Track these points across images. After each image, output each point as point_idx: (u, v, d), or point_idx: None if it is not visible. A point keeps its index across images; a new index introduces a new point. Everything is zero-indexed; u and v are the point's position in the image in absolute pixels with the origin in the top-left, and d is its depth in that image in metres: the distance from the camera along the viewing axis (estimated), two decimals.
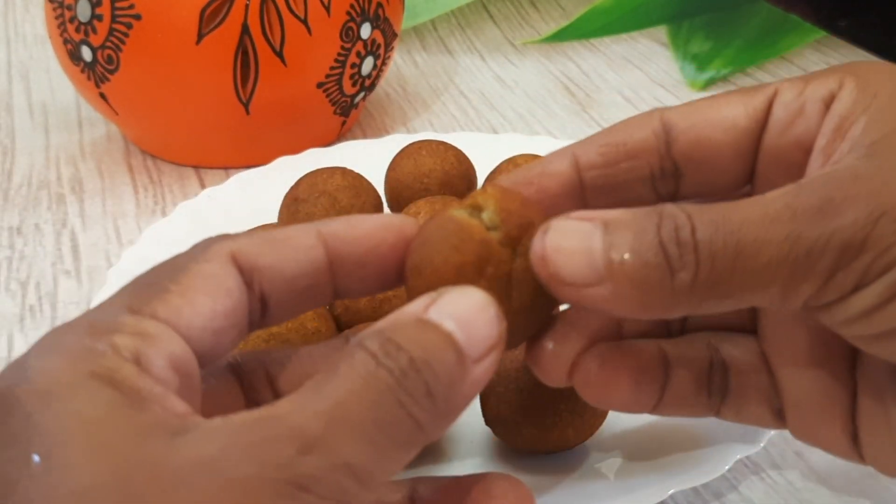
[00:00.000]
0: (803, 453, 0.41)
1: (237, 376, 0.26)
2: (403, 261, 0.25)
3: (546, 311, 0.26)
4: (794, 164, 0.25)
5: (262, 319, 0.24)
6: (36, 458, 0.19)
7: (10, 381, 0.20)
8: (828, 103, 0.24)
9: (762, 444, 0.38)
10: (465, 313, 0.22)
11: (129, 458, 0.19)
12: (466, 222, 0.24)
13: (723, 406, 0.27)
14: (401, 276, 0.25)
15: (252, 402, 0.26)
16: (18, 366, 0.21)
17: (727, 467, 0.37)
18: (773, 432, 0.38)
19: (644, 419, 0.40)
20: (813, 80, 0.25)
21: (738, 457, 0.37)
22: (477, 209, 0.24)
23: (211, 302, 0.22)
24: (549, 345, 0.26)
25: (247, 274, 0.23)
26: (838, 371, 0.26)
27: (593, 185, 0.26)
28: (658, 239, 0.22)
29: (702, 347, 0.28)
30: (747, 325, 0.28)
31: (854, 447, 0.26)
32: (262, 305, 0.24)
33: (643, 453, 0.39)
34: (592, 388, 0.27)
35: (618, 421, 0.40)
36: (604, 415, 0.39)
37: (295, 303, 0.24)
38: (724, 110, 0.25)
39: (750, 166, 0.26)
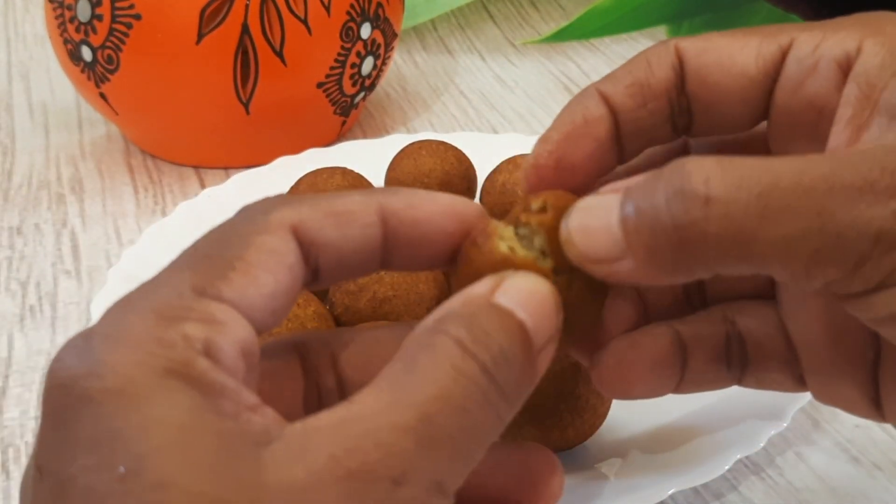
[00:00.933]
0: (803, 454, 0.41)
1: (300, 355, 0.25)
2: (457, 250, 0.24)
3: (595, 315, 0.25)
4: (807, 124, 0.24)
5: (308, 287, 0.23)
6: (122, 469, 0.18)
7: (77, 372, 0.19)
8: (843, 66, 0.23)
9: (762, 444, 0.38)
10: (531, 301, 0.21)
11: (224, 478, 0.18)
12: (523, 264, 0.23)
13: (744, 376, 0.27)
14: (448, 259, 0.24)
15: (312, 382, 0.25)
16: (83, 354, 0.19)
17: (727, 467, 0.37)
18: (772, 431, 0.38)
19: (644, 420, 0.40)
20: (830, 34, 0.24)
21: (738, 457, 0.37)
22: (528, 238, 0.23)
23: (273, 281, 0.21)
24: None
25: (306, 248, 0.22)
26: (859, 336, 0.25)
27: (626, 129, 0.25)
28: (664, 196, 0.21)
29: (717, 322, 0.27)
30: (765, 292, 0.27)
31: (875, 408, 0.25)
32: (313, 276, 0.23)
33: (643, 453, 0.39)
34: (610, 385, 0.26)
35: (618, 421, 0.40)
36: (604, 415, 0.39)
37: (343, 273, 0.23)
38: (736, 55, 0.24)
39: (760, 111, 0.25)
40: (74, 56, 0.58)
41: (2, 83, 0.73)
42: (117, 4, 0.55)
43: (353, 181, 0.50)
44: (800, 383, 0.27)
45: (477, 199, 0.53)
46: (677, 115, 0.25)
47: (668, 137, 0.26)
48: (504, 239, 0.23)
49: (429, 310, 0.42)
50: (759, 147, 0.27)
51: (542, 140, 0.25)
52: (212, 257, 0.21)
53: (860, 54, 0.23)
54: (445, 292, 0.43)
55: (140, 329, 0.20)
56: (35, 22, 0.81)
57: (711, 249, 0.21)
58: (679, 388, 0.27)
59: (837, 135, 0.23)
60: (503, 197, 0.50)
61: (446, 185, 0.51)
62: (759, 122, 0.25)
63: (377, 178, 0.53)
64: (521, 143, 0.57)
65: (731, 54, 0.24)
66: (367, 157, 0.57)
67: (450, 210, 0.24)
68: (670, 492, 0.36)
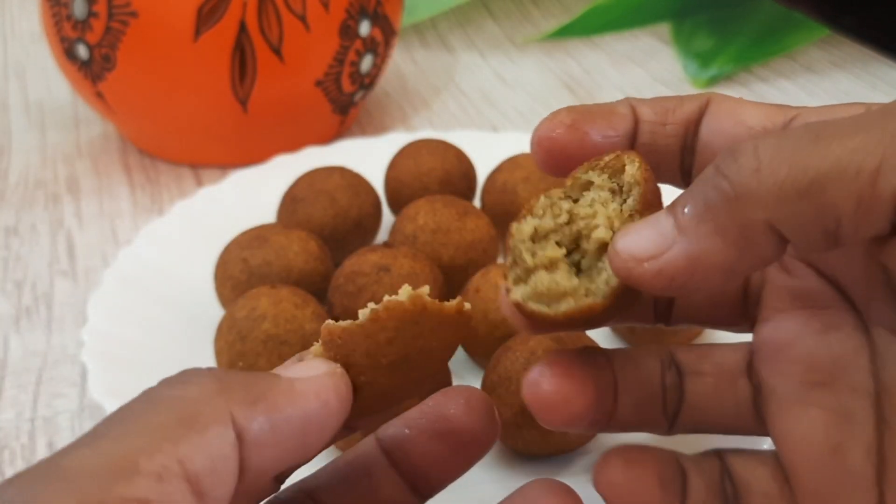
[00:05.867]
0: None
1: None
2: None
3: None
4: None
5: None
6: None
7: None
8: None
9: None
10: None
11: None
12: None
13: None
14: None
15: None
16: None
17: None
18: None
19: None
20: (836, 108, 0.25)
21: None
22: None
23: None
24: (543, 383, 0.26)
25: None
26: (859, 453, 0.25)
27: (641, 141, 0.26)
28: (711, 173, 0.22)
29: (712, 456, 0.28)
30: (744, 425, 0.29)
31: None
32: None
33: None
34: (619, 493, 0.26)
35: None
36: None
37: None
38: (748, 112, 0.26)
39: None
40: (70, 54, 0.58)
41: None
42: (114, 2, 0.55)
43: (351, 180, 0.49)
44: None
45: (477, 199, 0.53)
46: (687, 152, 0.26)
47: (673, 175, 0.27)
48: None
49: None
50: None
51: (559, 111, 0.26)
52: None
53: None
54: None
55: None
56: (31, 20, 0.81)
57: (770, 193, 0.21)
58: None
59: None
60: (503, 196, 0.49)
61: (446, 184, 0.50)
62: None
63: (376, 177, 0.53)
64: (522, 142, 0.56)
65: (745, 110, 0.26)
66: (366, 155, 0.56)
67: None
68: None
